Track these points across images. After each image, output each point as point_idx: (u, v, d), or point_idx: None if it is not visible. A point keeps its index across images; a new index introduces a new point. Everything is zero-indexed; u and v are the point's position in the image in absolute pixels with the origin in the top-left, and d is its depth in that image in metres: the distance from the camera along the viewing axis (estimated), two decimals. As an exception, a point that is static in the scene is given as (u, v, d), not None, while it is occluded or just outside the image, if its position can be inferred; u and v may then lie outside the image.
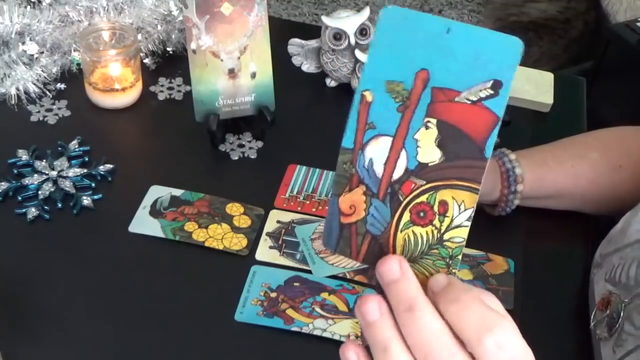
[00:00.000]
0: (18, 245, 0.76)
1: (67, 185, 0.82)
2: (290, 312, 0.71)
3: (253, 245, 0.78)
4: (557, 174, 0.79)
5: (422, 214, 0.42)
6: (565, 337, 0.73)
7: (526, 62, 2.12)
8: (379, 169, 0.43)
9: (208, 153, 0.89)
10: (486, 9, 2.46)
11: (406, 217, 0.43)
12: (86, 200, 0.81)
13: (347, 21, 0.95)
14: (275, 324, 0.70)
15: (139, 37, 0.99)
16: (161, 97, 0.98)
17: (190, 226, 0.79)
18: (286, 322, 0.70)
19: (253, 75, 0.88)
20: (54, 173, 0.83)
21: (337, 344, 0.68)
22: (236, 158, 0.89)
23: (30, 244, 0.77)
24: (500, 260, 0.78)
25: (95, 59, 0.92)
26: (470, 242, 0.77)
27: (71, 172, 0.84)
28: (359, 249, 0.44)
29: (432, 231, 0.42)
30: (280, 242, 0.78)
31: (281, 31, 1.03)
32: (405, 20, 0.41)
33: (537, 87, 1.03)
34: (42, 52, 0.96)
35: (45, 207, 0.79)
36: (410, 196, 0.42)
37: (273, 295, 0.72)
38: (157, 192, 0.83)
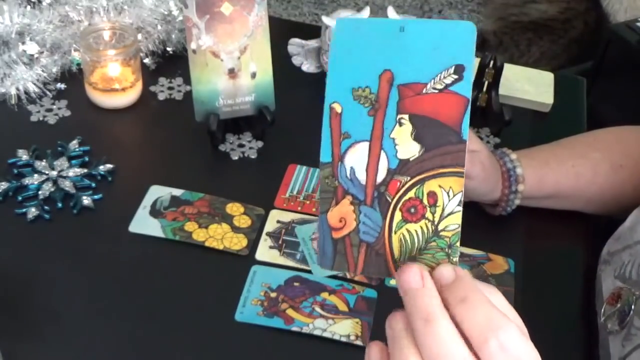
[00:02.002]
0: (18, 245, 0.76)
1: (67, 185, 0.82)
2: (290, 312, 0.71)
3: (253, 245, 0.78)
4: (558, 173, 0.79)
5: (413, 210, 0.42)
6: (566, 337, 0.72)
7: (526, 62, 2.13)
8: (361, 176, 0.43)
9: (208, 153, 0.89)
10: (486, 9, 2.46)
11: (398, 216, 0.43)
12: (86, 200, 0.81)
13: (347, 21, 0.95)
14: (275, 324, 0.70)
15: (139, 37, 0.99)
16: (161, 97, 0.98)
17: (190, 226, 0.79)
18: (286, 322, 0.70)
19: (253, 75, 0.88)
20: (54, 173, 0.83)
21: (337, 344, 0.69)
22: (236, 158, 0.89)
23: (30, 244, 0.76)
24: (500, 260, 0.78)
25: (95, 59, 0.92)
26: (470, 242, 0.79)
27: (71, 172, 0.84)
28: (356, 261, 0.44)
29: (426, 225, 0.42)
30: (280, 242, 0.78)
31: (281, 31, 1.02)
32: (359, 29, 0.43)
33: (537, 87, 1.03)
34: (42, 52, 0.96)
35: (46, 207, 0.79)
36: (398, 195, 0.43)
37: (273, 295, 0.72)
38: (157, 192, 0.83)
